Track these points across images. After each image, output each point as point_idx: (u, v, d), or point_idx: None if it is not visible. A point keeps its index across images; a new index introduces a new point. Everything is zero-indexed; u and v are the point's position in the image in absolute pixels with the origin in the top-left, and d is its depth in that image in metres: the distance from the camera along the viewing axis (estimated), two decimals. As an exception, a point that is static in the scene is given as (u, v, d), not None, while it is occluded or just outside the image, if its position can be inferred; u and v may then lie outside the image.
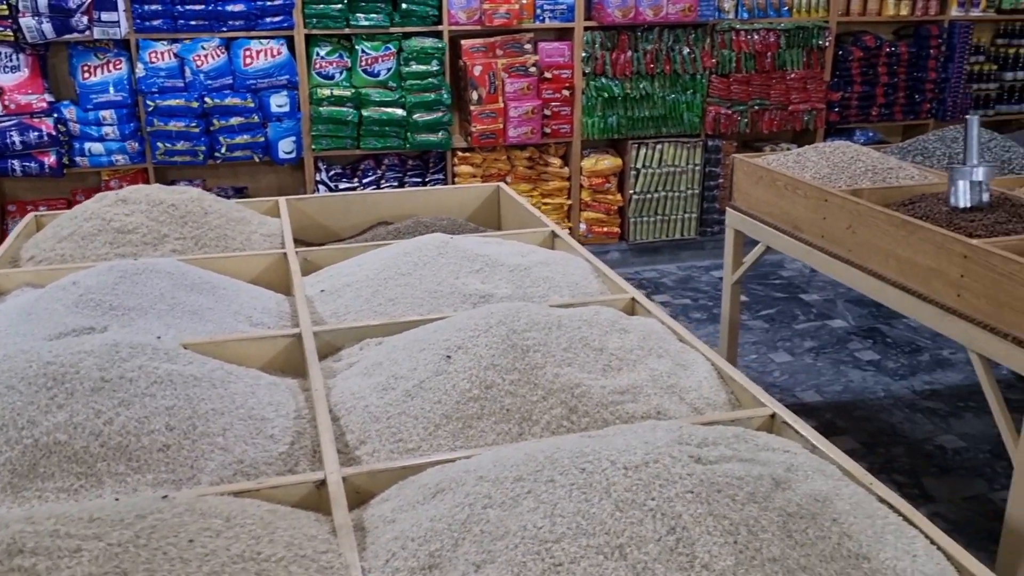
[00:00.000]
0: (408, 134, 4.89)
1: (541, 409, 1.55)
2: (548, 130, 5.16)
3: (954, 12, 5.81)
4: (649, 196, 5.43)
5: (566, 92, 5.14)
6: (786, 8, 5.45)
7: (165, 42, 4.49)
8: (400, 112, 4.82)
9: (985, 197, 2.73)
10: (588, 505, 1.12)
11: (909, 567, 1.12)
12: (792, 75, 5.49)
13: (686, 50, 5.22)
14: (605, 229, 5.45)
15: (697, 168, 5.47)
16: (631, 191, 5.40)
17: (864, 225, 2.80)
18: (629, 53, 5.16)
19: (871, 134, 5.86)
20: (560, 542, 1.09)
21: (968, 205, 2.72)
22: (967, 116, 2.78)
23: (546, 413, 1.54)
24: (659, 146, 5.36)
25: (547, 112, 5.12)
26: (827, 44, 5.51)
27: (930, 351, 4.31)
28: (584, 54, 5.12)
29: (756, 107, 5.48)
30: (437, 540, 1.16)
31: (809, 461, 1.29)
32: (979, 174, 2.70)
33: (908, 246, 2.62)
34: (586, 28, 5.11)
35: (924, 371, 4.12)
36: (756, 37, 5.35)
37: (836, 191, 2.95)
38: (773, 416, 1.60)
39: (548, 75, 5.09)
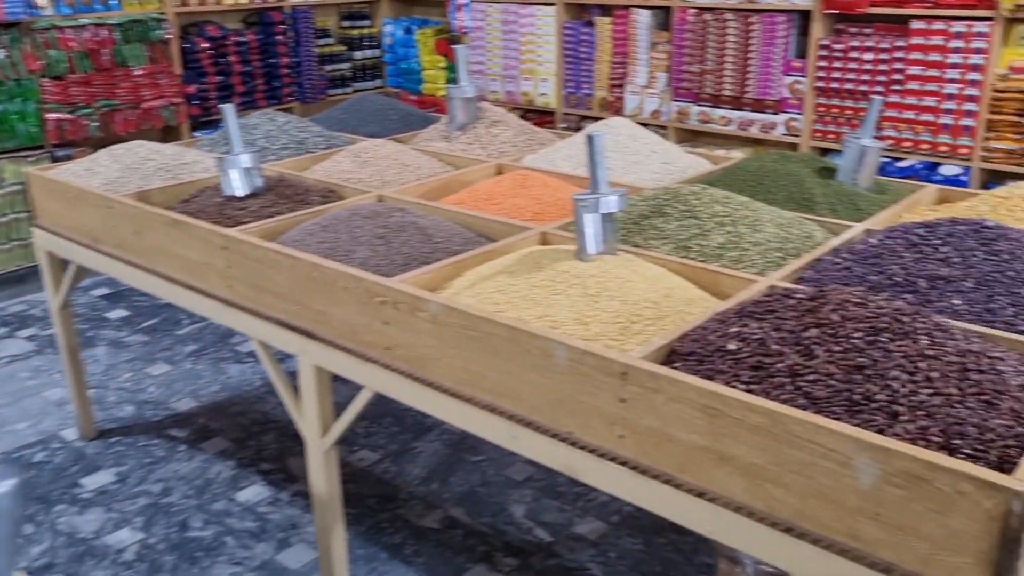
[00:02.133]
0: None
1: None
2: None
3: (293, -2, 6.03)
4: (-5, 221, 4.80)
5: None
6: (115, 1, 5.14)
7: None
8: None
9: (259, 182, 2.76)
10: None
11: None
12: (138, 71, 5.22)
13: (2, 54, 4.65)
14: (-52, 267, 4.71)
15: (49, 182, 4.95)
16: (-30, 219, 4.71)
17: (147, 228, 2.67)
18: (-73, 62, 4.44)
19: (239, 123, 5.86)
20: None
21: (245, 192, 2.73)
22: (220, 106, 2.78)
23: None
24: (-5, 164, 4.74)
25: None
26: (169, 36, 5.33)
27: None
28: None
29: (104, 108, 5.12)
30: None
31: None
32: (246, 161, 2.71)
33: (183, 244, 2.54)
34: None
35: (301, 350, 4.22)
36: (86, 34, 4.97)
37: (120, 197, 2.78)
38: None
39: None
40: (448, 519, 2.98)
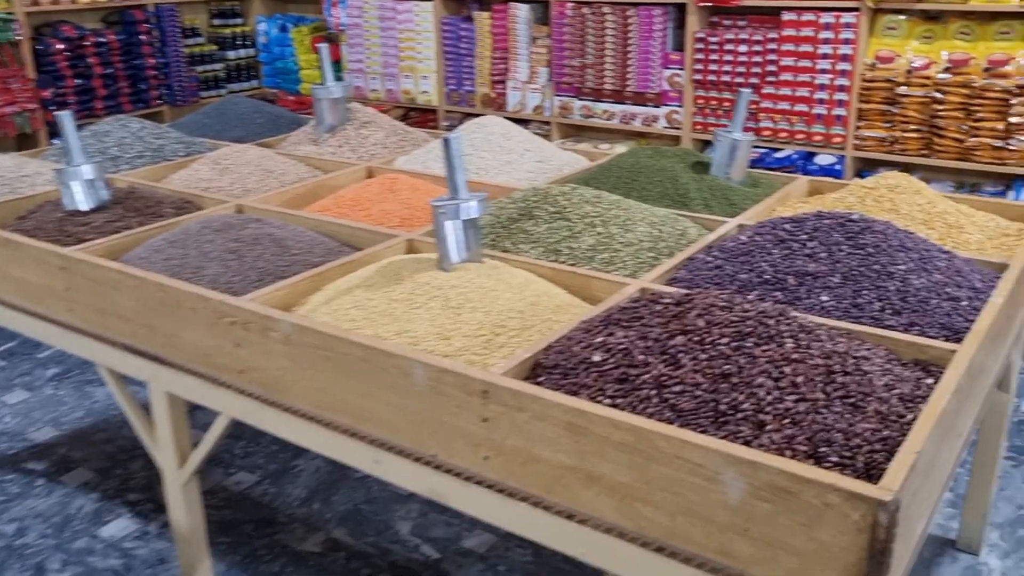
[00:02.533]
0: None
1: None
2: None
3: (157, -5, 5.73)
4: None
5: None
6: (-45, 1, 4.78)
7: None
8: None
9: (105, 194, 2.56)
10: None
11: None
12: (-14, 76, 4.87)
13: None
14: None
15: None
16: None
17: (-21, 249, 2.43)
18: None
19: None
20: None
21: (89, 206, 2.53)
22: (56, 114, 2.56)
23: None
24: None
25: None
26: (19, 38, 4.99)
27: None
28: None
29: (-51, 117, 4.75)
30: None
31: None
32: (88, 172, 2.51)
33: (18, 264, 2.33)
34: None
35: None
36: (-76, 37, 4.60)
37: (-53, 214, 2.54)
38: None
39: None
40: (330, 541, 2.84)
